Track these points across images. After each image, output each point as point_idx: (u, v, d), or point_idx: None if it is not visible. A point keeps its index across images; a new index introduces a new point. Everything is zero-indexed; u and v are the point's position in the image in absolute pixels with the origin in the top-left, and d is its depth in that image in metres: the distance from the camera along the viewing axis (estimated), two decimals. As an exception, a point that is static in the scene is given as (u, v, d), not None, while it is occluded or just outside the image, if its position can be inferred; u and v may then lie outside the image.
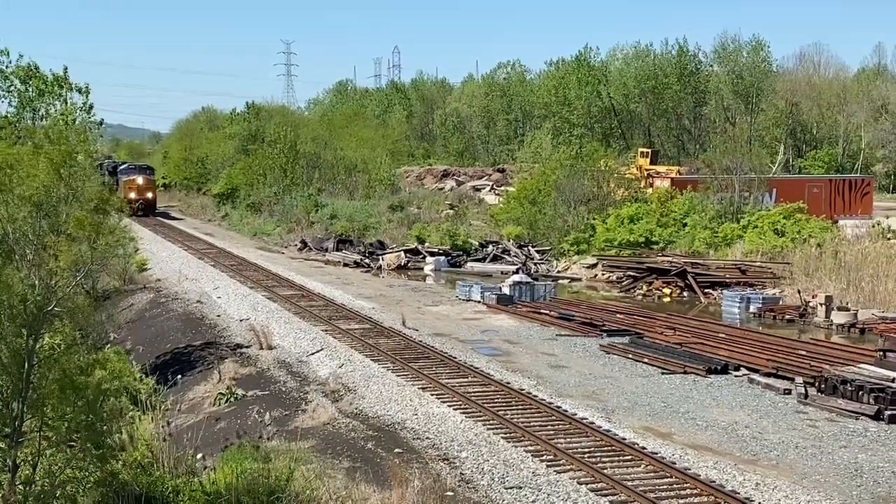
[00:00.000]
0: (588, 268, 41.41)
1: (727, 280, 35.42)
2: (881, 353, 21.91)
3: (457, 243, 45.95)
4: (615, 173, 49.93)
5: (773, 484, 13.95)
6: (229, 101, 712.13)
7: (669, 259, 38.55)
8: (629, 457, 15.05)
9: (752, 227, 40.94)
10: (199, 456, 15.10)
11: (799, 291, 31.45)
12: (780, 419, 17.75)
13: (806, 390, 19.27)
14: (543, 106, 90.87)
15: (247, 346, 24.27)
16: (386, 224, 53.21)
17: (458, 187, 70.76)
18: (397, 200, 59.16)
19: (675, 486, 13.85)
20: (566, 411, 17.47)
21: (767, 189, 47.14)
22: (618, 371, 21.75)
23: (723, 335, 25.69)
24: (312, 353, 23.06)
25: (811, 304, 29.74)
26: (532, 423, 16.66)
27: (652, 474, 14.32)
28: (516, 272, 38.42)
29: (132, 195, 67.37)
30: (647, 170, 62.37)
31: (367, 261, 44.81)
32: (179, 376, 22.31)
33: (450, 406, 17.92)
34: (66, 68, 34.96)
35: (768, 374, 20.83)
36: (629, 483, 13.71)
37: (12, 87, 34.56)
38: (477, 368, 20.97)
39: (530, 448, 15.39)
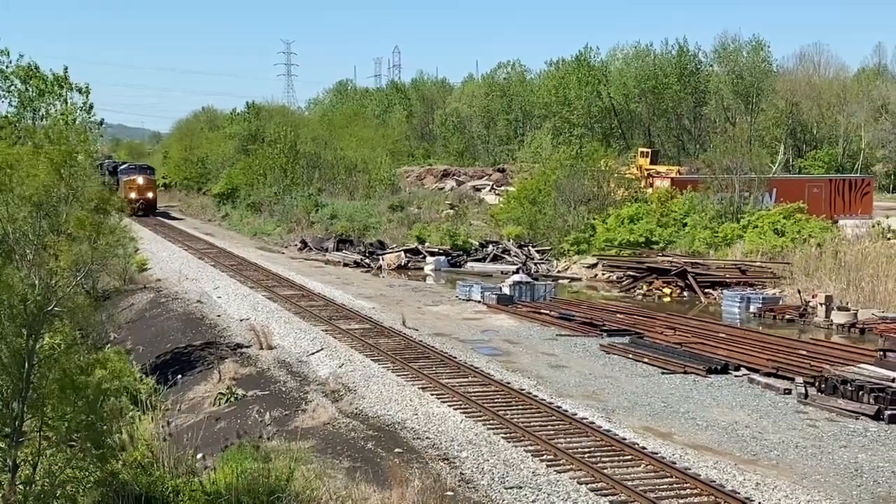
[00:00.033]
0: (588, 268, 41.41)
1: (727, 280, 35.42)
2: (881, 353, 21.91)
3: (457, 243, 45.95)
4: (615, 173, 49.94)
5: (773, 484, 13.95)
6: (229, 101, 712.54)
7: (669, 259, 38.55)
8: (629, 457, 15.05)
9: (753, 227, 40.95)
10: (199, 456, 15.11)
11: (799, 291, 31.45)
12: (780, 419, 17.75)
13: (806, 390, 19.27)
14: (543, 106, 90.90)
15: (247, 346, 24.27)
16: (386, 224, 53.22)
17: (459, 187, 70.77)
18: (397, 200, 59.17)
19: (675, 485, 13.85)
20: (566, 411, 17.47)
21: (767, 189, 47.16)
22: (618, 371, 21.75)
23: (723, 335, 25.70)
24: (312, 353, 23.06)
25: (811, 304, 29.74)
26: (532, 423, 16.67)
27: (652, 474, 14.33)
28: (516, 272, 38.42)
29: (133, 195, 67.40)
30: (647, 170, 62.38)
31: (367, 261, 44.81)
32: (179, 376, 22.31)
33: (450, 406, 17.92)
34: (66, 68, 34.97)
35: (768, 374, 20.83)
36: (629, 483, 13.71)
37: (12, 87, 34.56)
38: (477, 368, 20.97)
39: (530, 448, 15.39)
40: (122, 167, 77.88)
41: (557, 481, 13.90)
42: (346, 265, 44.35)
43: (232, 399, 19.63)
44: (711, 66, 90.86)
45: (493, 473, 14.23)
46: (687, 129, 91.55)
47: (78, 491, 11.64)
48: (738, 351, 23.13)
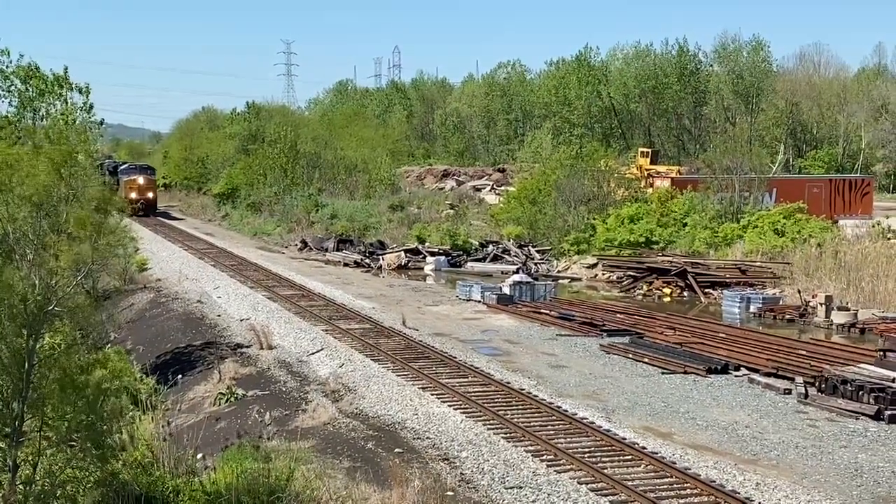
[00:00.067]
0: (588, 268, 41.41)
1: (727, 280, 35.42)
2: (881, 353, 21.92)
3: (457, 243, 45.95)
4: (615, 173, 49.94)
5: (774, 484, 13.95)
6: (229, 101, 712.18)
7: (669, 259, 38.55)
8: (629, 457, 15.05)
9: (753, 227, 40.95)
10: (199, 456, 15.10)
11: (799, 291, 31.45)
12: (781, 419, 17.76)
13: (806, 390, 19.27)
14: (543, 106, 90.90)
15: (247, 346, 24.27)
16: (386, 224, 53.23)
17: (459, 187, 70.76)
18: (397, 200, 59.17)
19: (675, 485, 13.85)
20: (566, 411, 17.47)
21: (767, 189, 47.15)
22: (618, 371, 21.75)
23: (723, 335, 25.70)
24: (313, 353, 23.06)
25: (811, 304, 29.74)
26: (532, 423, 16.67)
27: (652, 474, 14.33)
28: (516, 272, 38.44)
29: (133, 195, 67.39)
30: (647, 170, 62.37)
31: (367, 261, 44.82)
32: (180, 376, 22.31)
33: (450, 406, 17.92)
34: (66, 68, 35.00)
35: (768, 374, 20.83)
36: (629, 483, 13.71)
37: (13, 87, 34.58)
38: (477, 368, 20.97)
39: (530, 448, 15.39)
40: (122, 167, 77.89)
41: (557, 481, 13.90)
42: (346, 265, 44.35)
43: (232, 399, 19.63)
44: (711, 66, 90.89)
45: (493, 473, 14.23)
46: (687, 129, 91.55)
47: (78, 491, 11.64)
48: (738, 351, 23.13)
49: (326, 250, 48.09)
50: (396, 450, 15.31)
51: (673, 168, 66.46)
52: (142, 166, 79.50)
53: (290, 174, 66.43)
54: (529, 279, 34.79)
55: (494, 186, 69.65)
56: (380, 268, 43.47)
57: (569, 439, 15.86)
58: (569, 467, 14.49)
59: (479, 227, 51.91)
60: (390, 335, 24.83)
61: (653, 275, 36.95)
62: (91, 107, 35.09)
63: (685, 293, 35.42)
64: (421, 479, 13.39)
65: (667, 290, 35.48)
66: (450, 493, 13.27)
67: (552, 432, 16.20)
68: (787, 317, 29.95)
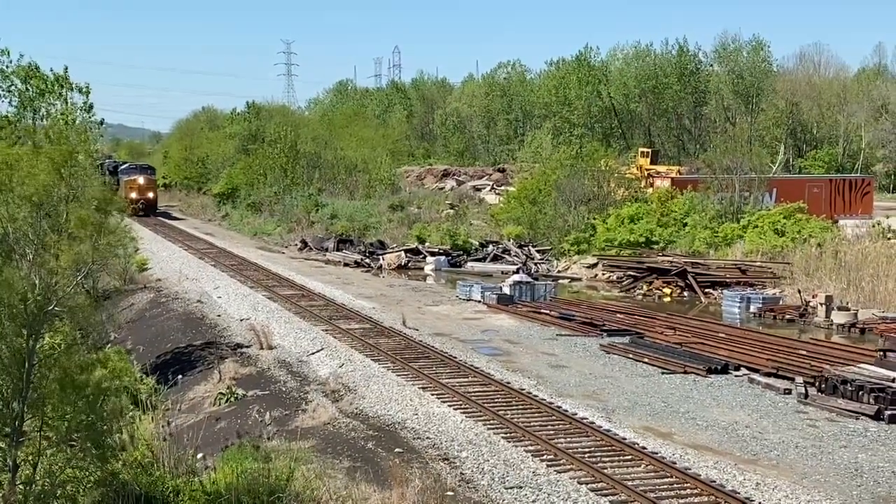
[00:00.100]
0: (588, 267, 41.41)
1: (727, 280, 35.42)
2: (881, 353, 21.92)
3: (457, 243, 45.95)
4: (615, 173, 49.94)
5: (774, 484, 13.95)
6: (229, 101, 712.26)
7: (670, 259, 38.56)
8: (629, 456, 15.05)
9: (753, 227, 40.95)
10: (199, 456, 15.10)
11: (799, 291, 31.45)
12: (781, 419, 17.76)
13: (806, 390, 19.27)
14: (544, 106, 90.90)
15: (247, 346, 24.27)
16: (386, 224, 53.23)
17: (459, 187, 70.77)
18: (398, 200, 59.16)
19: (675, 485, 13.85)
20: (566, 411, 17.47)
21: (767, 189, 47.15)
22: (618, 371, 21.75)
23: (723, 335, 25.70)
24: (313, 353, 23.06)
25: (811, 304, 29.74)
26: (532, 423, 16.67)
27: (652, 474, 14.33)
28: (516, 272, 38.44)
29: (133, 195, 67.42)
30: (647, 169, 62.38)
31: (367, 260, 44.81)
32: (180, 376, 22.32)
33: (450, 406, 17.92)
34: (66, 68, 34.97)
35: (768, 374, 20.83)
36: (629, 483, 13.71)
37: (13, 87, 34.56)
38: (477, 368, 20.97)
39: (530, 448, 15.39)
40: (122, 167, 77.92)
41: (558, 481, 13.90)
42: (346, 265, 44.34)
43: (232, 399, 19.63)
44: (711, 66, 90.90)
45: (493, 473, 14.23)
46: (687, 129, 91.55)
47: (78, 491, 11.64)
48: (739, 351, 23.13)
49: (326, 250, 48.09)
50: (396, 450, 15.31)
51: (673, 168, 66.46)
52: (142, 166, 79.52)
53: (290, 174, 66.44)
54: (529, 279, 34.80)
55: (494, 186, 69.65)
56: (380, 268, 43.47)
57: (569, 439, 15.86)
58: (569, 467, 14.49)
59: (479, 227, 51.92)
60: (390, 335, 24.83)
61: (653, 275, 36.96)
62: (91, 107, 35.07)
63: (685, 293, 35.43)
64: (421, 479, 13.39)
65: (667, 290, 35.48)
66: (450, 493, 13.27)
67: (552, 432, 16.20)
68: (787, 317, 29.94)
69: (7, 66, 34.44)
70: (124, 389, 14.89)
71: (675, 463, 14.67)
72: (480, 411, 17.44)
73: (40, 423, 11.37)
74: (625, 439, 15.81)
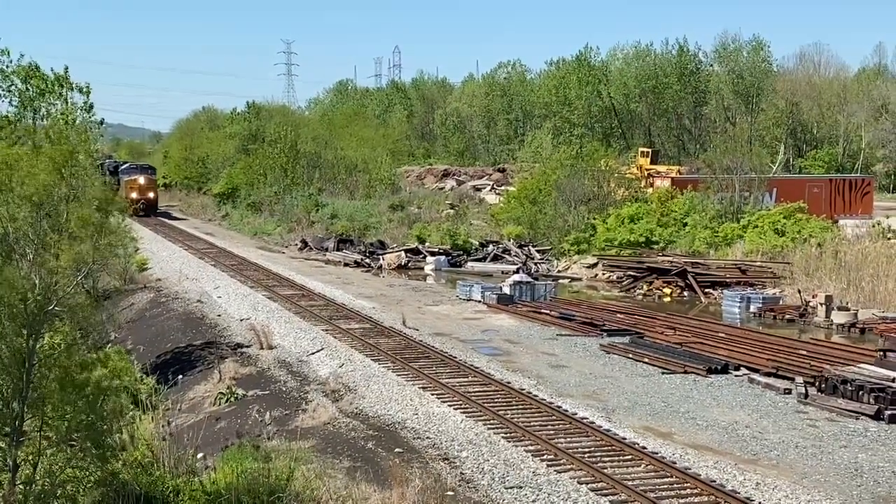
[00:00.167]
0: (588, 267, 41.41)
1: (727, 280, 35.42)
2: (881, 352, 21.92)
3: (457, 243, 45.96)
4: (615, 173, 49.95)
5: (774, 484, 13.95)
6: (229, 101, 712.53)
7: (670, 259, 38.56)
8: (629, 456, 15.06)
9: (753, 227, 40.95)
10: (199, 456, 15.10)
11: (799, 291, 31.45)
12: (781, 419, 17.76)
13: (806, 390, 19.27)
14: (544, 106, 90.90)
15: (247, 346, 24.27)
16: (386, 224, 53.22)
17: (459, 187, 70.76)
18: (398, 200, 59.16)
19: (675, 485, 13.85)
20: (566, 411, 17.47)
21: (768, 189, 47.16)
22: (618, 371, 21.75)
23: (723, 335, 25.70)
24: (313, 353, 23.06)
25: (811, 304, 29.74)
26: (532, 423, 16.67)
27: (652, 474, 14.33)
28: (517, 272, 38.43)
29: (134, 195, 67.42)
30: (647, 169, 62.38)
31: (367, 260, 44.81)
32: (180, 376, 22.32)
33: (450, 406, 17.92)
34: (66, 68, 34.87)
35: (768, 374, 20.83)
36: (629, 483, 13.71)
37: (13, 87, 34.52)
38: (477, 368, 20.97)
39: (531, 448, 15.39)
40: (122, 167, 77.93)
41: (558, 481, 13.90)
42: (346, 265, 44.34)
43: (232, 399, 19.64)
44: (711, 65, 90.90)
45: (493, 473, 14.23)
46: (687, 128, 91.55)
47: (78, 491, 11.64)
48: (739, 351, 23.13)
49: (326, 250, 48.09)
50: (396, 449, 15.31)
51: (673, 168, 66.47)
52: (142, 166, 79.53)
53: (291, 174, 66.44)
54: (529, 279, 34.80)
55: (494, 186, 69.64)
56: (380, 268, 43.47)
57: (569, 439, 15.86)
58: (569, 467, 14.49)
59: (479, 227, 51.91)
60: (390, 335, 24.83)
61: (653, 275, 36.95)
62: (91, 106, 34.98)
63: (685, 293, 35.43)
64: (421, 479, 13.39)
65: (667, 290, 35.48)
66: (450, 492, 13.27)
67: (552, 432, 16.20)
68: (787, 317, 29.94)
69: (7, 66, 34.40)
70: (124, 389, 14.87)
71: (675, 463, 14.67)
72: (480, 411, 17.45)
73: (40, 422, 11.37)
74: (625, 439, 15.81)
